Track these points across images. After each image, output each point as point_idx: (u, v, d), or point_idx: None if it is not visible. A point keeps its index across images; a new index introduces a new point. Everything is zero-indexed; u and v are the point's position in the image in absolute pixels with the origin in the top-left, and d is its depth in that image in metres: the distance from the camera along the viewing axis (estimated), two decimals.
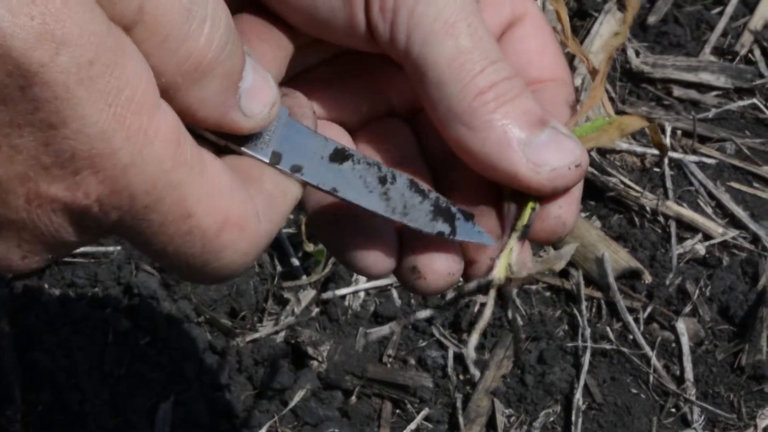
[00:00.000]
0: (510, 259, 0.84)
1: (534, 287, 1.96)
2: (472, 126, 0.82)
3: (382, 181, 0.83)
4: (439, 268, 0.84)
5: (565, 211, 0.85)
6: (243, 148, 0.80)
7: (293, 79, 0.89)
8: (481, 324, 0.85)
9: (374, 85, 0.91)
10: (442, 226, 0.83)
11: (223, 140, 0.79)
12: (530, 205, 0.85)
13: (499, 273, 0.84)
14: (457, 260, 0.85)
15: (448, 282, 0.84)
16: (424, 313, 1.90)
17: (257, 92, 0.78)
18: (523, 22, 0.91)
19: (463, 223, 0.84)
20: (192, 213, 0.74)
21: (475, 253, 0.86)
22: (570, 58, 2.11)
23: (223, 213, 0.76)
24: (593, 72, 0.90)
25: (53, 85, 0.68)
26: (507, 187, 0.85)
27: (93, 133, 0.70)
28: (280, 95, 0.80)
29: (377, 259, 0.84)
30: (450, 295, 0.87)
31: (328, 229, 0.86)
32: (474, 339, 0.86)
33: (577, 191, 0.86)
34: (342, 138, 0.89)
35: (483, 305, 0.85)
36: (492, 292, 0.85)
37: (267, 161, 0.80)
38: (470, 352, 0.87)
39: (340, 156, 0.82)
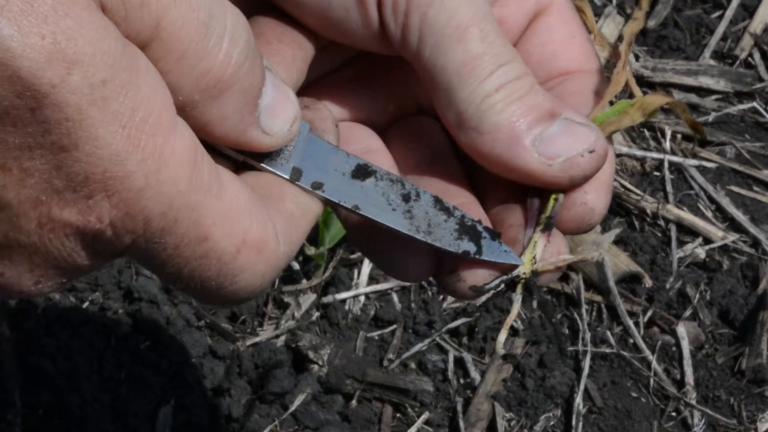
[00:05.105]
0: (535, 253, 0.82)
1: None
2: (480, 129, 0.81)
3: (406, 198, 0.81)
4: (478, 270, 0.82)
5: (592, 196, 0.83)
6: (262, 164, 0.78)
7: (315, 83, 0.88)
8: (509, 320, 0.83)
9: (399, 83, 0.90)
10: (467, 245, 0.81)
11: (242, 156, 0.78)
12: (553, 195, 0.83)
13: (524, 268, 0.82)
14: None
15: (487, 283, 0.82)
16: (425, 317, 1.90)
17: (278, 109, 0.76)
18: (548, 11, 0.89)
19: (489, 242, 0.82)
20: (208, 235, 0.72)
21: None
22: None
23: (241, 235, 0.73)
24: (614, 55, 0.88)
25: (64, 106, 0.66)
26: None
27: (106, 155, 0.68)
28: (301, 110, 0.78)
29: (416, 264, 0.83)
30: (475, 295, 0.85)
31: (366, 236, 0.84)
32: (502, 336, 0.84)
33: (605, 176, 0.83)
34: (370, 139, 0.87)
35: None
36: (519, 287, 0.83)
37: (287, 177, 0.79)
38: (498, 348, 0.85)
39: (362, 172, 0.81)
